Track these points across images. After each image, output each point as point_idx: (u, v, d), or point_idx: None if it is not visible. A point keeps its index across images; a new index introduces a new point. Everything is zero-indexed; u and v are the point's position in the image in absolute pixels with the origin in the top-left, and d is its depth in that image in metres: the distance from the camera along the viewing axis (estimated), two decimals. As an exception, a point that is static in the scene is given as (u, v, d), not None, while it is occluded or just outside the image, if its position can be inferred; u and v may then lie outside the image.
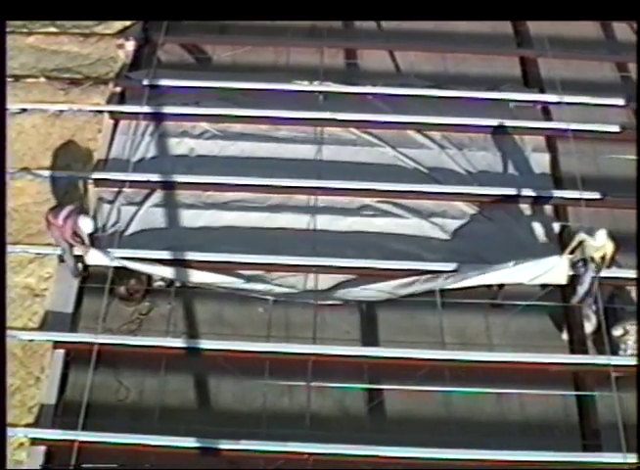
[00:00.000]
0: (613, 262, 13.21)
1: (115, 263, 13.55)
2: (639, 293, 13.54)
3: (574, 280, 13.44)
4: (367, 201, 14.88)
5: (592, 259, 13.00)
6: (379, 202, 14.84)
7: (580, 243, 13.08)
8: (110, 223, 14.49)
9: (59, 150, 15.30)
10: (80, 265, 13.79)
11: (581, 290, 13.31)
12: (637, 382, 12.54)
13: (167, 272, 13.79)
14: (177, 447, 12.06)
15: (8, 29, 16.01)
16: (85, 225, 13.24)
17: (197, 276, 13.76)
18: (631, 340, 13.24)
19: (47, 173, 14.88)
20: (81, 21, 17.45)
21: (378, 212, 14.74)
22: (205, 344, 13.09)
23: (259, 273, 13.96)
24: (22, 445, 12.16)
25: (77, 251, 13.57)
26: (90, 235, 13.47)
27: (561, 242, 14.31)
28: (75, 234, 13.28)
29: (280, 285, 13.84)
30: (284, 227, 14.53)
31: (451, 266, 13.83)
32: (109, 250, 13.72)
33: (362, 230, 14.56)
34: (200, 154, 15.55)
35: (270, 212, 14.68)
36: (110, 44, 17.17)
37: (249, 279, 13.85)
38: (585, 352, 13.19)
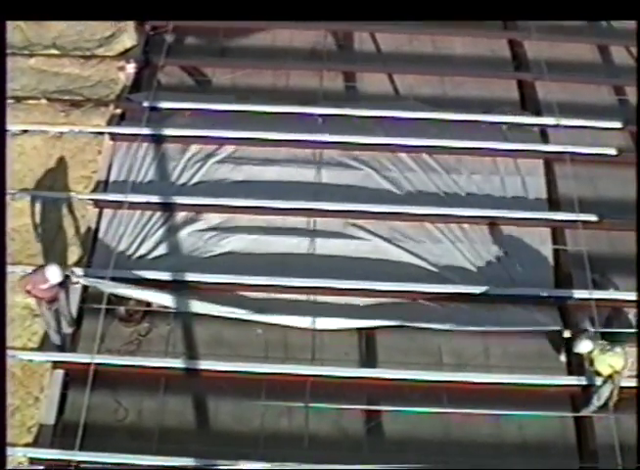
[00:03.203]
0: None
1: (110, 290, 13.50)
2: (639, 315, 13.55)
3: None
4: (359, 224, 14.85)
5: (610, 376, 12.52)
6: (364, 226, 14.81)
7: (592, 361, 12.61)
8: (110, 246, 14.49)
9: (59, 171, 15.37)
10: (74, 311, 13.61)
11: (597, 403, 12.76)
12: (637, 404, 12.55)
13: (163, 299, 13.80)
14: (175, 468, 12.06)
15: (9, 51, 16.16)
16: (53, 274, 12.59)
17: (194, 306, 13.75)
18: (629, 362, 13.22)
19: (47, 194, 14.95)
20: (80, 20, 17.70)
21: (365, 237, 14.71)
22: (204, 364, 13.12)
23: (260, 297, 13.99)
24: (20, 464, 12.15)
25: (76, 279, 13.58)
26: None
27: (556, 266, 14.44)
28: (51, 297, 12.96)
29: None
30: (282, 252, 14.51)
31: (445, 289, 13.98)
32: (106, 271, 13.75)
33: (350, 256, 14.51)
34: (200, 176, 15.54)
35: (268, 235, 14.66)
36: (110, 66, 17.28)
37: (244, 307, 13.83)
38: (583, 373, 13.13)
